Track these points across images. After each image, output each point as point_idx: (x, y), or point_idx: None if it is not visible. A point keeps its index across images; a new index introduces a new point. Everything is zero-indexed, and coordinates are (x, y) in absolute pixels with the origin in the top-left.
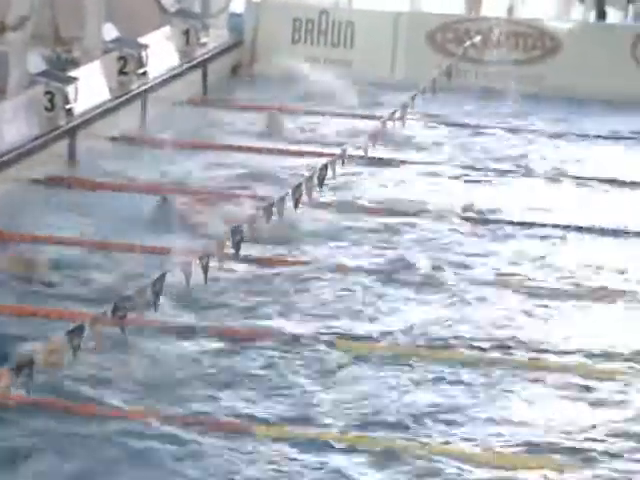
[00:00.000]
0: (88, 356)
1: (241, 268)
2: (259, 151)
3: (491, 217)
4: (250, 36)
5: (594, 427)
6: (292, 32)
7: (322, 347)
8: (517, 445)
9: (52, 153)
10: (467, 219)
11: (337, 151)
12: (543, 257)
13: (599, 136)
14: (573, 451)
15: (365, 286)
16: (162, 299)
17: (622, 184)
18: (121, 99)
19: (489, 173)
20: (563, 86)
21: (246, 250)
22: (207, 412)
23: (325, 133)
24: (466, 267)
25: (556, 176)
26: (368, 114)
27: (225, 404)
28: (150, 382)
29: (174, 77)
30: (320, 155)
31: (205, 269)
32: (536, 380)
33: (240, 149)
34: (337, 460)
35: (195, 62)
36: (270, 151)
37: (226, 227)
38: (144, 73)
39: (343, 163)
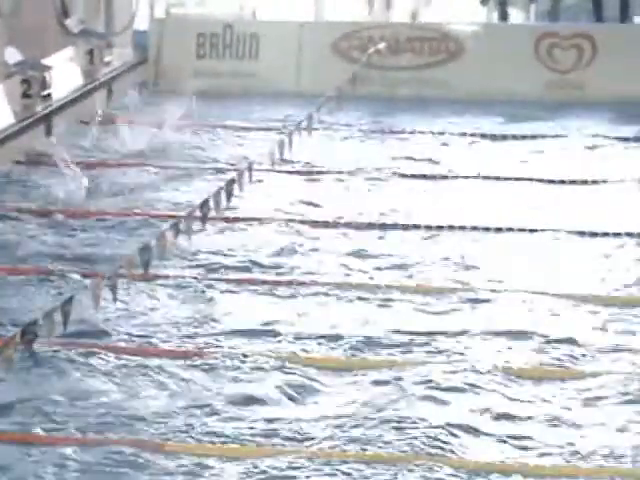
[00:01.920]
0: None
1: None
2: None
3: None
4: (155, 53)
5: None
6: (197, 47)
7: None
8: None
9: None
10: None
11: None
12: None
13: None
14: None
15: None
16: None
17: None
18: (25, 122)
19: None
20: (468, 88)
21: None
22: None
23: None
24: None
25: None
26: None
27: None
28: None
29: (79, 98)
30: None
31: (114, 290)
32: None
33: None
34: None
35: (99, 81)
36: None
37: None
38: (48, 95)
39: (250, 177)
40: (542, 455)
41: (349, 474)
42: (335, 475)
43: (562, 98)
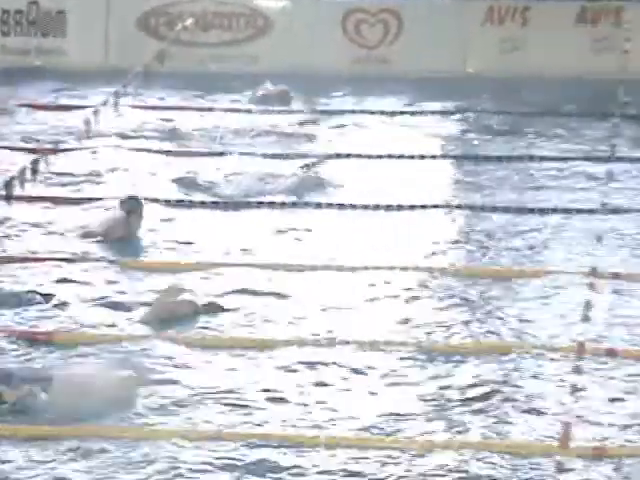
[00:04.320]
0: None
1: None
2: None
3: None
4: None
5: None
6: (1, 24)
7: None
8: None
9: None
10: None
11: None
12: None
13: None
14: None
15: None
16: None
17: None
18: None
19: None
20: (276, 64)
21: None
22: None
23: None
24: None
25: None
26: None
27: None
28: None
29: None
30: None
31: None
32: None
33: None
34: None
35: None
36: None
37: None
38: None
39: (56, 154)
40: None
41: None
42: None
43: (368, 73)
